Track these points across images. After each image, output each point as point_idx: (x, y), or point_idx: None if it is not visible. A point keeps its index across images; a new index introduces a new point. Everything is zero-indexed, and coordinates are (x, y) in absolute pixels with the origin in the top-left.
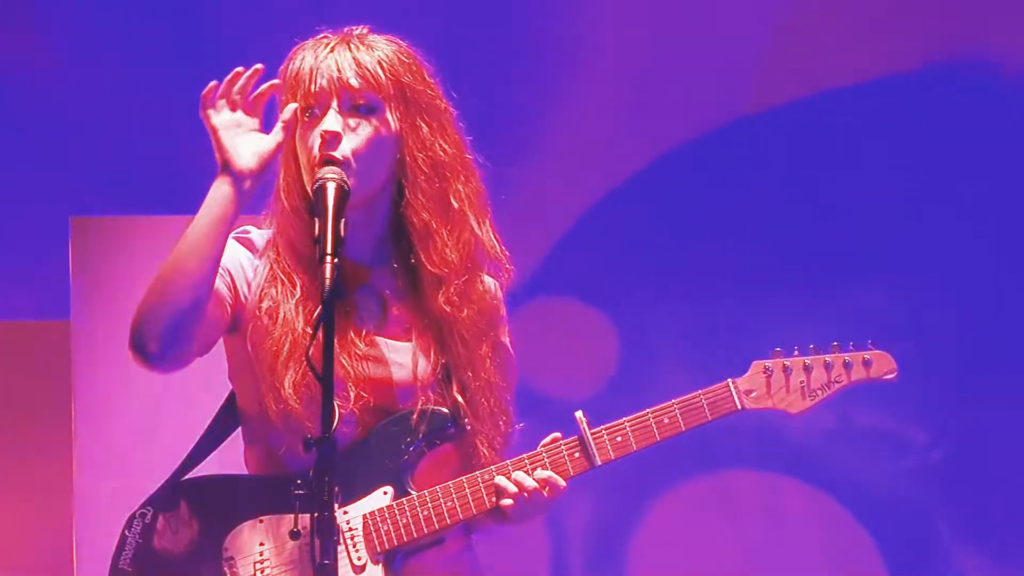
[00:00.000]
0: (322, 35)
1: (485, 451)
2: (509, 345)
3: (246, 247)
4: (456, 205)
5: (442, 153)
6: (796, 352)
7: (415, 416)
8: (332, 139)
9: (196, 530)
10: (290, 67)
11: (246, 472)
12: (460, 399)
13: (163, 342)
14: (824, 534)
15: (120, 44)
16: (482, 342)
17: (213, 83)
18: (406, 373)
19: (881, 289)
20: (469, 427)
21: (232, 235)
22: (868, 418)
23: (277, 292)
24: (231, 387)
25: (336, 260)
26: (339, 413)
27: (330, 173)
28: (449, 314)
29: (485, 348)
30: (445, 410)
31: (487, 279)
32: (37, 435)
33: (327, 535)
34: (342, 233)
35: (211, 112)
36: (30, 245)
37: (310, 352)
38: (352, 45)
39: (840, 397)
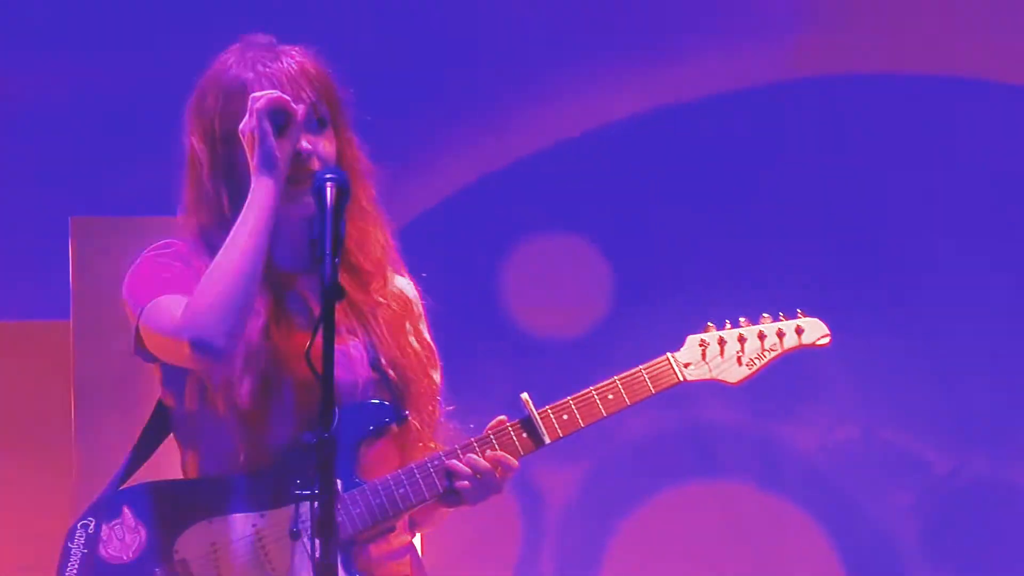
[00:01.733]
0: (247, 45)
1: (420, 436)
2: (430, 339)
3: (180, 260)
4: (370, 209)
5: (362, 161)
6: (728, 324)
7: (357, 410)
8: (309, 156)
9: (144, 535)
10: (224, 78)
11: (182, 476)
12: (396, 390)
13: (228, 337)
14: (795, 555)
15: (120, 44)
16: (407, 334)
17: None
18: (345, 371)
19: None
20: (408, 416)
21: (158, 252)
22: (860, 440)
23: None
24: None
25: (337, 260)
26: (277, 413)
27: (329, 174)
28: (382, 307)
29: (411, 339)
30: (386, 402)
31: (399, 277)
32: (37, 435)
33: (327, 535)
34: (342, 233)
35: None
36: (30, 245)
37: (308, 352)
38: (296, 57)
39: (850, 417)
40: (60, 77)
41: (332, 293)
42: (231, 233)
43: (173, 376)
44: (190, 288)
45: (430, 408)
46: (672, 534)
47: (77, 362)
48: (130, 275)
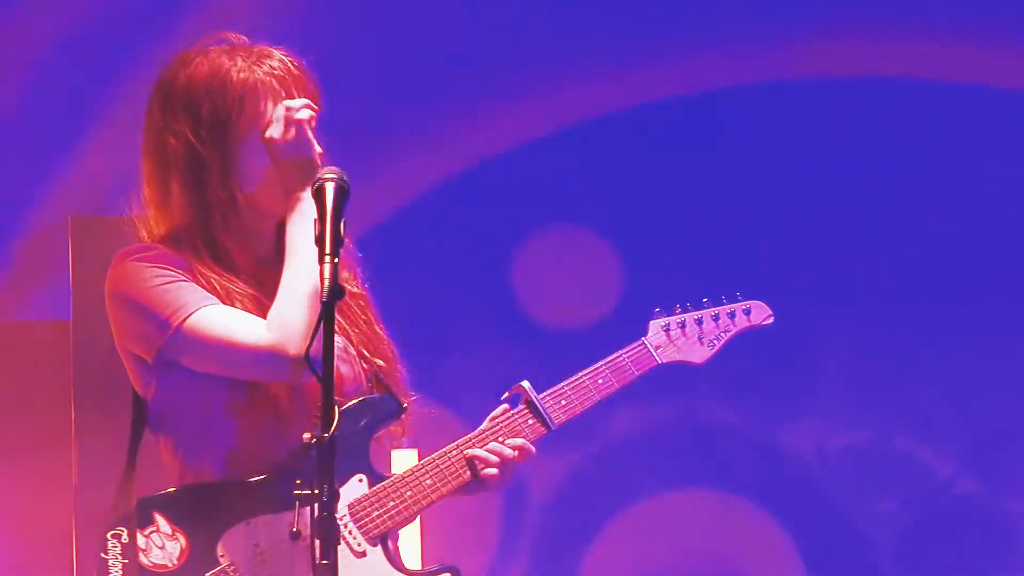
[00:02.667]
0: (233, 45)
1: (400, 424)
2: None
3: (174, 265)
4: None
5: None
6: (677, 309)
7: (365, 405)
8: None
9: (185, 541)
10: (233, 80)
11: (189, 480)
12: (385, 381)
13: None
14: (784, 558)
15: (120, 43)
16: (376, 323)
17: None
18: (347, 368)
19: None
20: (406, 404)
21: (151, 256)
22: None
23: (241, 305)
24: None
25: (336, 260)
26: (302, 412)
27: (328, 173)
28: (355, 298)
29: (378, 327)
30: (389, 395)
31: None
32: (37, 435)
33: (328, 535)
34: (342, 233)
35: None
36: (30, 245)
37: (308, 353)
38: (294, 57)
39: (847, 421)
40: (61, 76)
41: (333, 293)
42: (296, 249)
43: (193, 383)
44: (207, 297)
45: (407, 390)
46: (659, 536)
47: (77, 362)
48: (134, 281)
